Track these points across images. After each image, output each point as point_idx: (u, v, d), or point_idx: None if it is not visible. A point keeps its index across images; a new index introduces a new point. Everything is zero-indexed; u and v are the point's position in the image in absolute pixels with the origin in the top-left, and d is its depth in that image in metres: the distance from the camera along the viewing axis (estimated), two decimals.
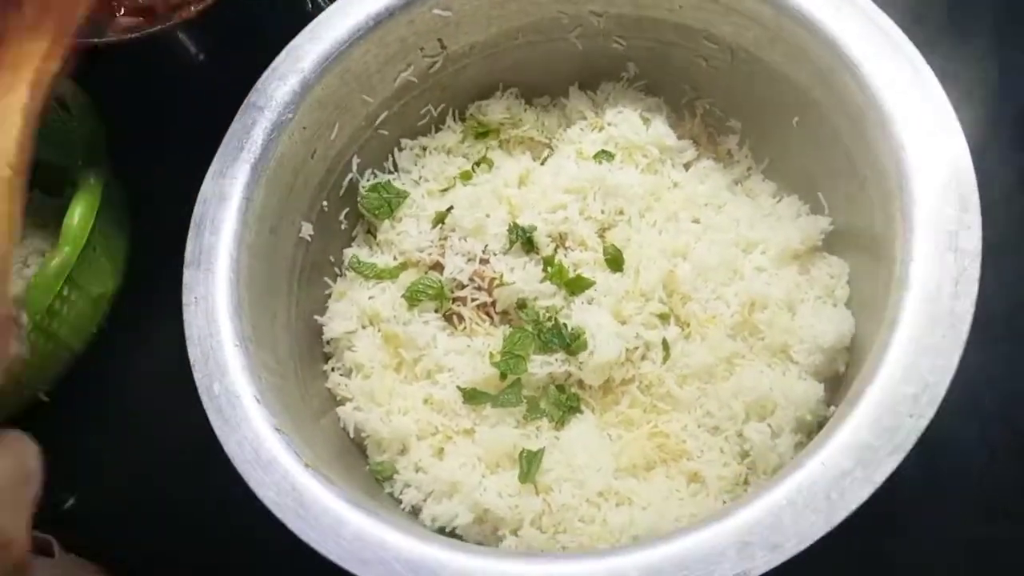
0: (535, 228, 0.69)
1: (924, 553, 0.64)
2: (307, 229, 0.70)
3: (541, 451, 0.63)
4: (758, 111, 0.72)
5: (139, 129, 0.82)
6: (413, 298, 0.69)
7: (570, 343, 0.65)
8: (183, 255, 0.61)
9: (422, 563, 0.49)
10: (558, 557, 0.49)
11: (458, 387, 0.66)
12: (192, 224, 0.61)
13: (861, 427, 0.48)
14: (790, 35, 0.62)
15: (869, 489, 0.46)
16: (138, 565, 0.69)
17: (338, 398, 0.70)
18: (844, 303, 0.66)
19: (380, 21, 0.67)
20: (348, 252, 0.74)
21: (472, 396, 0.66)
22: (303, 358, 0.68)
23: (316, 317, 0.71)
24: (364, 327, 0.71)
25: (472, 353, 0.68)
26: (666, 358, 0.66)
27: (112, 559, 0.68)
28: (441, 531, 0.63)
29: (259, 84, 0.65)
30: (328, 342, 0.72)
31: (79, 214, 0.70)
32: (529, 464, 0.63)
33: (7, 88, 0.49)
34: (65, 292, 0.70)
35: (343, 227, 0.75)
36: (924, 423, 0.47)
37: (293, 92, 0.65)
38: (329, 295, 0.73)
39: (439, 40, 0.71)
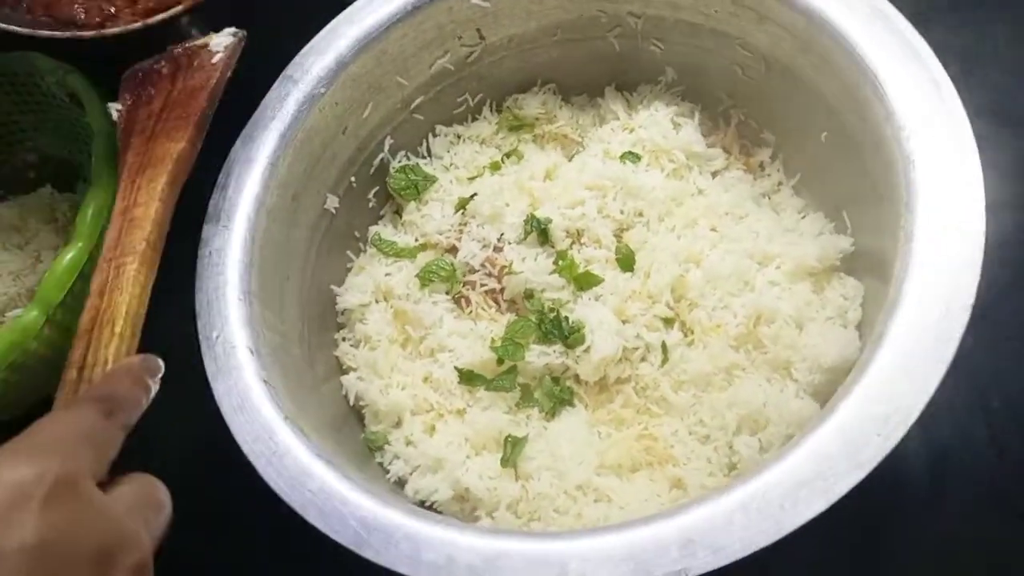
0: (550, 221, 0.70)
1: (932, 554, 0.62)
2: (332, 202, 0.72)
3: (525, 438, 0.64)
4: (791, 124, 0.71)
5: None
6: (425, 278, 0.71)
7: (568, 336, 0.66)
8: (195, 251, 0.63)
9: (376, 523, 0.50)
10: (510, 535, 0.50)
11: (455, 367, 0.67)
12: (217, 183, 0.65)
13: (828, 441, 0.47)
14: (820, 46, 0.61)
15: (824, 503, 0.45)
16: None
17: (344, 366, 0.72)
18: (855, 326, 0.64)
19: (419, 6, 0.69)
20: (374, 229, 0.77)
21: (468, 377, 0.67)
22: (314, 324, 0.70)
23: (333, 287, 0.74)
24: (377, 301, 0.73)
25: (475, 336, 0.69)
26: (664, 361, 0.66)
27: None
28: (421, 504, 0.64)
29: (297, 58, 0.68)
30: (342, 312, 0.74)
31: (92, 210, 0.68)
32: (512, 449, 0.63)
33: (151, 178, 0.60)
34: (77, 288, 0.68)
35: (371, 205, 0.77)
36: (891, 444, 0.45)
37: (328, 68, 0.68)
38: (350, 268, 0.76)
39: (478, 30, 0.73)
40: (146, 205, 0.59)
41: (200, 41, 0.68)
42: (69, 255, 0.67)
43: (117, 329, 0.53)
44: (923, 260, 0.50)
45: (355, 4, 0.69)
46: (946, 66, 0.55)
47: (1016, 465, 0.63)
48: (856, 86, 0.58)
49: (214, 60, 0.66)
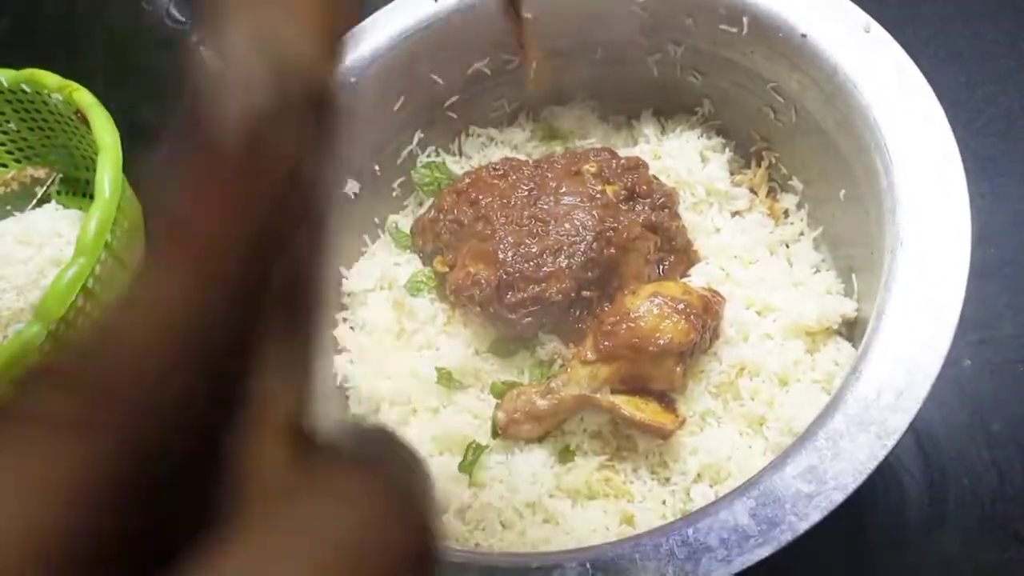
0: None
1: None
2: (352, 186, 0.74)
3: (485, 447, 0.65)
4: (816, 176, 0.68)
5: (157, 143, 0.86)
6: (413, 287, 0.72)
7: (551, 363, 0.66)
8: None
9: None
10: None
11: (436, 367, 0.69)
12: None
13: (743, 511, 0.46)
14: (842, 103, 0.59)
15: (725, 572, 0.44)
16: None
17: (339, 347, 0.74)
18: None
19: (460, 10, 0.70)
20: (393, 218, 0.79)
21: (446, 379, 0.68)
22: None
23: (341, 268, 0.76)
24: (381, 288, 0.75)
25: (461, 340, 0.70)
26: None
27: None
28: None
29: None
30: (348, 295, 0.76)
31: (95, 225, 0.68)
32: (471, 455, 0.64)
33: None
34: (80, 303, 0.68)
35: (395, 194, 0.79)
36: (805, 526, 0.44)
37: (361, 57, 0.70)
38: (364, 252, 0.78)
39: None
40: None
41: None
42: (71, 271, 0.67)
43: None
44: (893, 331, 0.49)
45: (392, 4, 0.71)
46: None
47: (1017, 488, 0.62)
48: (867, 148, 0.56)
49: None
